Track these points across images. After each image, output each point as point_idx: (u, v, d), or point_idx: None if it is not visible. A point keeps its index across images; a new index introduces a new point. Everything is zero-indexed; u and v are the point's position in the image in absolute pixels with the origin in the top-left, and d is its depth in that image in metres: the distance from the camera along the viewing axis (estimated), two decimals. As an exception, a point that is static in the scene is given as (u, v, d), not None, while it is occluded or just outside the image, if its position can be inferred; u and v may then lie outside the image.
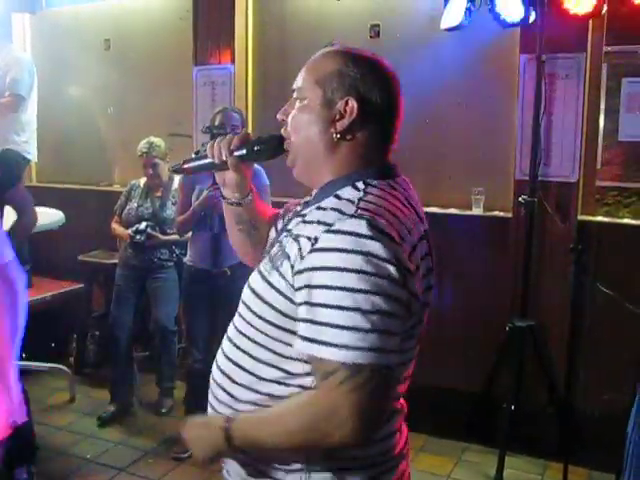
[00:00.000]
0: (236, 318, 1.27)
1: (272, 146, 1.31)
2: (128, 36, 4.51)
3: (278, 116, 1.27)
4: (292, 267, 1.11)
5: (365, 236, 1.05)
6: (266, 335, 1.17)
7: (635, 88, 3.05)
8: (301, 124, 1.22)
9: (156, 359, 3.84)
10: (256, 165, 3.05)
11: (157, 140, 3.66)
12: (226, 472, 1.30)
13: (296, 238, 1.14)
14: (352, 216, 1.08)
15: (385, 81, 1.21)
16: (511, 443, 3.00)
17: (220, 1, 3.93)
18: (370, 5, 3.69)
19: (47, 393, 3.93)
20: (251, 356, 1.20)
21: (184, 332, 3.45)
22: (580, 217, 3.16)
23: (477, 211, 3.42)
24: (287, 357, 1.15)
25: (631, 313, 2.92)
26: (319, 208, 1.16)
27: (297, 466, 1.16)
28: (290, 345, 1.13)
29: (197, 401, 3.33)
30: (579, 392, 3.16)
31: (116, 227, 3.79)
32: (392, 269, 1.04)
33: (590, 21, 2.99)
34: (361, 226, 1.06)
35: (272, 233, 1.41)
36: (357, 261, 1.03)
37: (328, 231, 1.08)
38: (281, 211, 1.44)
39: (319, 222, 1.12)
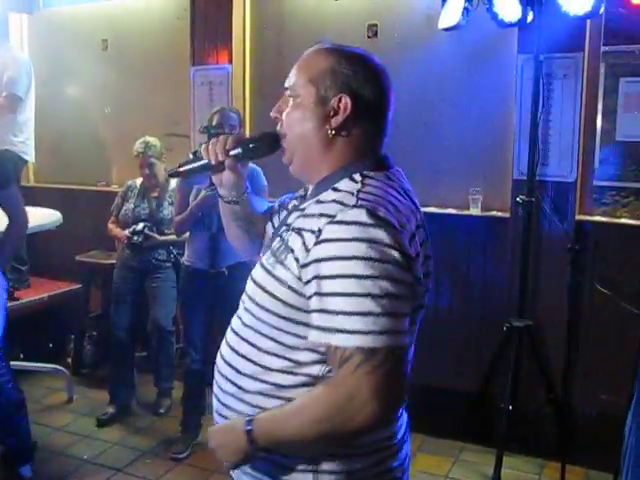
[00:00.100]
0: (240, 311, 1.29)
1: (267, 142, 1.32)
2: (125, 36, 4.50)
3: (272, 114, 1.30)
4: (297, 260, 1.14)
5: (367, 224, 1.08)
6: (272, 326, 1.19)
7: (633, 88, 3.05)
8: (296, 122, 1.24)
9: (154, 359, 3.84)
10: (255, 166, 3.08)
11: (153, 140, 3.66)
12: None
13: (299, 232, 1.16)
14: (353, 206, 1.11)
15: (376, 77, 1.23)
16: (509, 443, 3.01)
17: (218, 1, 3.92)
18: (368, 5, 3.68)
19: (44, 393, 3.93)
20: (257, 347, 1.22)
21: (182, 332, 3.44)
22: (578, 217, 3.16)
23: (475, 211, 3.41)
24: (293, 347, 1.17)
25: (629, 313, 2.92)
26: (318, 202, 1.19)
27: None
28: (296, 335, 1.16)
29: (195, 401, 3.36)
30: (577, 392, 3.16)
31: (113, 228, 3.78)
32: (396, 254, 1.08)
33: (588, 21, 2.99)
34: (363, 215, 1.09)
35: (269, 228, 1.44)
36: (362, 248, 1.06)
37: (331, 222, 1.11)
38: (275, 205, 1.47)
39: (321, 215, 1.14)
